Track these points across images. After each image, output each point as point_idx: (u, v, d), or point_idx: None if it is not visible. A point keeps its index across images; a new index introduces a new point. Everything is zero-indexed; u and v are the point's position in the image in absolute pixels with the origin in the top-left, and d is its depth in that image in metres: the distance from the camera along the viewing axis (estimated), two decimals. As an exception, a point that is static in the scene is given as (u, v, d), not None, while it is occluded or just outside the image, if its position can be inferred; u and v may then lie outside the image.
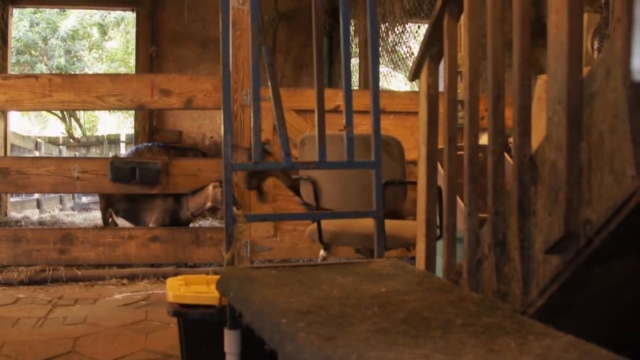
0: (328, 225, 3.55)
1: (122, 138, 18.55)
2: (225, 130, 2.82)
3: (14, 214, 9.42)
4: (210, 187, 5.55)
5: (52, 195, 13.36)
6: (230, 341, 2.12)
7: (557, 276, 1.93)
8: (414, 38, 9.80)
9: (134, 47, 9.96)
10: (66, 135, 19.32)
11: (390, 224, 2.82)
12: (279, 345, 1.54)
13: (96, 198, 11.87)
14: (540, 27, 1.99)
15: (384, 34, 9.67)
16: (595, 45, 3.65)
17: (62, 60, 19.41)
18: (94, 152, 18.02)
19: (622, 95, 1.68)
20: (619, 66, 1.70)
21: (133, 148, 7.17)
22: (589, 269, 1.91)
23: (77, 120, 20.57)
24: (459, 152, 2.55)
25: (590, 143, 1.79)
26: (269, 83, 2.85)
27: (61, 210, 13.37)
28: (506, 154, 2.29)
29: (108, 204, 6.53)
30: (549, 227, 1.90)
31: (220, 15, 2.91)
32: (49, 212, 12.10)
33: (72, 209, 13.80)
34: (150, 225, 6.00)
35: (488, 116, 2.21)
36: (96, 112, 21.68)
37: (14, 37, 16.42)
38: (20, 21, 18.17)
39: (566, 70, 1.82)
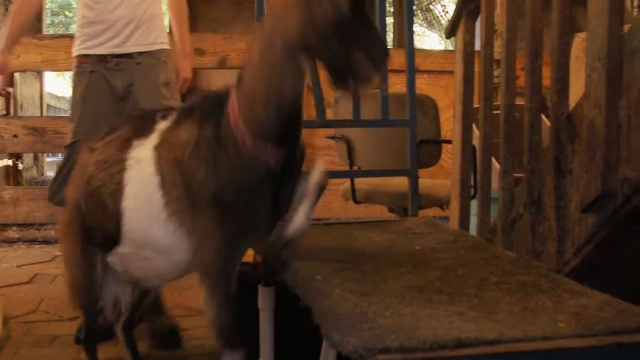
0: (362, 183, 3.54)
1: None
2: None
3: (50, 174, 9.55)
4: None
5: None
6: (265, 298, 2.14)
7: (593, 235, 1.92)
8: (449, -3, 9.67)
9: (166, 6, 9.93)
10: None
11: (424, 183, 2.82)
12: (314, 301, 1.55)
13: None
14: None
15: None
16: (636, 3, 3.57)
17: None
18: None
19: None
20: (661, 22, 1.67)
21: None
22: (625, 229, 1.89)
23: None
24: (495, 112, 2.52)
25: (630, 100, 1.76)
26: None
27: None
28: (542, 115, 2.26)
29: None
30: (585, 186, 1.88)
31: (255, -26, 2.89)
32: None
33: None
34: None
35: (525, 74, 2.18)
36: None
37: (49, -2, 16.49)
38: (54, -18, 18.24)
39: (606, 27, 1.78)
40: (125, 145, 1.96)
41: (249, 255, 2.54)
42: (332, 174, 2.47)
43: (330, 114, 3.21)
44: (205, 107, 1.84)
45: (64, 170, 3.09)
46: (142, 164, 1.90)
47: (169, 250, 1.88)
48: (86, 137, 2.96)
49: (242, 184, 1.75)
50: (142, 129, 1.95)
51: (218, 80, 8.67)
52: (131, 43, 3.14)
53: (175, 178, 1.81)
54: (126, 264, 2.04)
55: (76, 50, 3.21)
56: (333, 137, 3.63)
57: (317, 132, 4.66)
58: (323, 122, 2.56)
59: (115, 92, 3.12)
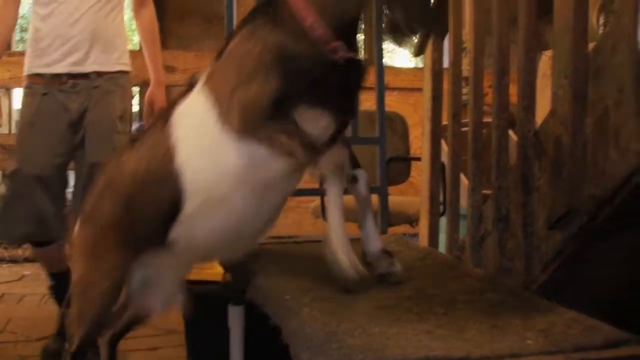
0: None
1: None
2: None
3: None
4: None
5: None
6: (234, 317, 2.13)
7: (559, 252, 1.93)
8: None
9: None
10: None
11: (393, 200, 2.82)
12: (283, 320, 1.55)
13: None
14: (545, 2, 1.98)
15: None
16: (601, 21, 3.62)
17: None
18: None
19: (628, 69, 1.67)
20: (626, 41, 1.69)
21: (137, 125, 7.16)
22: (591, 245, 1.91)
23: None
24: (463, 129, 2.54)
25: (595, 118, 1.78)
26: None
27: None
28: (510, 131, 2.28)
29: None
30: (552, 203, 1.90)
31: (225, -9, 2.89)
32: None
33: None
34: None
35: (492, 91, 2.20)
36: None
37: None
38: (23, -2, 18.11)
39: (572, 45, 1.81)
40: (165, 122, 1.79)
41: (219, 274, 2.53)
42: (302, 192, 2.47)
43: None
44: (254, 17, 1.74)
45: (12, 204, 2.86)
46: (190, 108, 1.77)
47: (247, 171, 1.69)
48: (32, 166, 2.81)
49: (310, 76, 1.66)
50: (177, 102, 1.82)
51: (188, 97, 8.63)
52: (91, 61, 2.87)
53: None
54: (194, 230, 1.78)
55: (27, 68, 2.94)
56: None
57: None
58: (292, 140, 2.55)
59: (69, 117, 2.84)
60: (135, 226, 1.83)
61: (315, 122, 1.68)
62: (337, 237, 1.74)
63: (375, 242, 1.89)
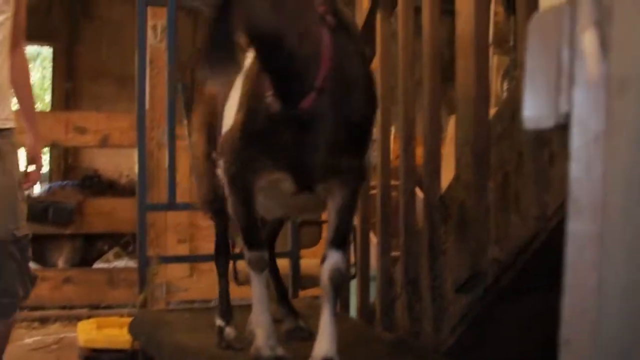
0: (244, 265, 3.51)
1: (37, 175, 18.04)
2: (140, 170, 2.79)
3: None
4: None
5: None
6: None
7: (466, 314, 1.96)
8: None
9: (50, 83, 9.75)
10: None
11: (306, 263, 2.82)
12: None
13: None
14: (451, 67, 2.04)
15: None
16: (505, 87, 3.76)
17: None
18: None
19: (528, 136, 1.73)
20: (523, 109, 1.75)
21: (46, 187, 6.99)
22: (497, 307, 1.95)
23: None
24: (372, 192, 2.57)
25: (497, 183, 1.83)
26: (184, 123, 2.83)
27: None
28: (419, 191, 2.32)
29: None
30: (458, 266, 1.93)
31: (137, 52, 2.89)
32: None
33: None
34: (60, 265, 5.83)
35: (400, 156, 2.25)
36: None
37: None
38: None
39: (473, 112, 1.86)
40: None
41: (128, 342, 2.47)
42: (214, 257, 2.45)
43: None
44: None
45: None
46: None
47: None
48: None
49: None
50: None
51: (100, 158, 8.51)
52: None
53: None
54: None
55: None
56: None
57: (200, 213, 4.61)
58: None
59: None
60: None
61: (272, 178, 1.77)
62: (259, 313, 1.83)
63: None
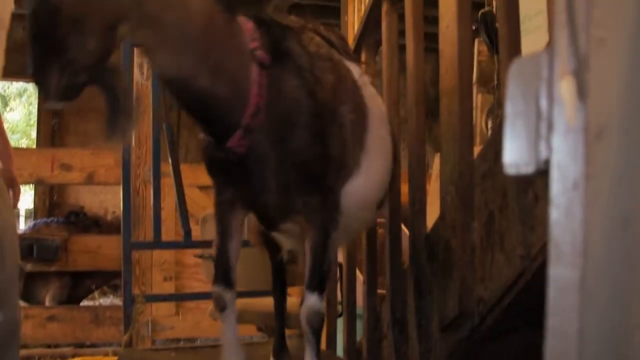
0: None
1: (22, 212, 17.94)
2: (125, 208, 2.78)
3: None
4: None
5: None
6: None
7: (453, 354, 1.95)
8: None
9: (36, 119, 9.74)
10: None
11: (292, 302, 2.81)
12: None
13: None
14: (437, 106, 2.05)
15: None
16: (489, 125, 3.79)
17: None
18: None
19: (511, 177, 1.73)
20: (507, 149, 1.76)
21: (31, 223, 6.95)
22: (483, 346, 1.94)
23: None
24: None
25: (482, 222, 1.83)
26: (169, 160, 2.84)
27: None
28: (405, 229, 2.33)
29: None
30: (444, 306, 1.93)
31: (122, 91, 2.89)
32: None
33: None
34: (47, 303, 5.77)
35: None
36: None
37: None
38: None
39: (458, 152, 1.87)
40: None
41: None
42: (200, 295, 2.44)
43: (197, 231, 3.19)
44: None
45: None
46: None
47: None
48: None
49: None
50: None
51: (86, 195, 8.49)
52: None
53: None
54: None
55: None
56: (201, 256, 3.58)
57: (187, 250, 4.60)
58: (189, 243, 2.53)
59: None
60: None
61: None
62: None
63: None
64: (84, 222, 6.80)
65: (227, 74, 1.60)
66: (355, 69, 1.94)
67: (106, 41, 1.38)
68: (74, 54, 1.34)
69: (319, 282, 1.76)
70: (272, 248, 2.16)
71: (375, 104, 1.98)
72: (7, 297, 2.16)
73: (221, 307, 1.88)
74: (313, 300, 1.73)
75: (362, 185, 1.85)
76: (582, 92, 0.59)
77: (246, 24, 1.66)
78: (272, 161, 1.66)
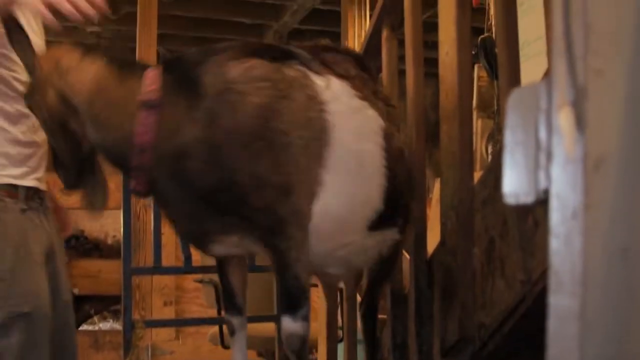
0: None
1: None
2: (125, 233, 2.78)
3: None
4: None
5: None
6: None
7: (454, 380, 1.94)
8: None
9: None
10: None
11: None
12: None
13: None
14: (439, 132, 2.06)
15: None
16: (490, 150, 3.79)
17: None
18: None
19: (511, 203, 1.74)
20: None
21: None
22: (484, 373, 1.93)
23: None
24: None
25: (482, 248, 1.84)
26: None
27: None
28: (406, 254, 2.33)
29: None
30: (445, 331, 1.93)
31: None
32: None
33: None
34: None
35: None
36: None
37: None
38: None
39: (458, 178, 1.88)
40: None
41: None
42: (201, 321, 2.43)
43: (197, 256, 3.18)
44: None
45: None
46: None
47: None
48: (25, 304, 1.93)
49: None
50: None
51: (86, 219, 8.47)
52: (44, 177, 2.15)
53: None
54: None
55: None
56: (201, 281, 3.58)
57: (187, 275, 4.60)
58: (189, 268, 2.53)
59: (46, 244, 2.07)
60: None
61: None
62: None
63: None
64: (85, 246, 6.80)
65: (113, 125, 1.72)
66: (330, 84, 1.78)
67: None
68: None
69: (288, 302, 1.71)
70: None
71: (354, 117, 1.80)
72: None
73: (230, 331, 1.93)
74: (286, 323, 1.70)
75: (333, 204, 1.73)
76: (580, 122, 0.59)
77: (150, 72, 1.71)
78: (178, 194, 1.71)
